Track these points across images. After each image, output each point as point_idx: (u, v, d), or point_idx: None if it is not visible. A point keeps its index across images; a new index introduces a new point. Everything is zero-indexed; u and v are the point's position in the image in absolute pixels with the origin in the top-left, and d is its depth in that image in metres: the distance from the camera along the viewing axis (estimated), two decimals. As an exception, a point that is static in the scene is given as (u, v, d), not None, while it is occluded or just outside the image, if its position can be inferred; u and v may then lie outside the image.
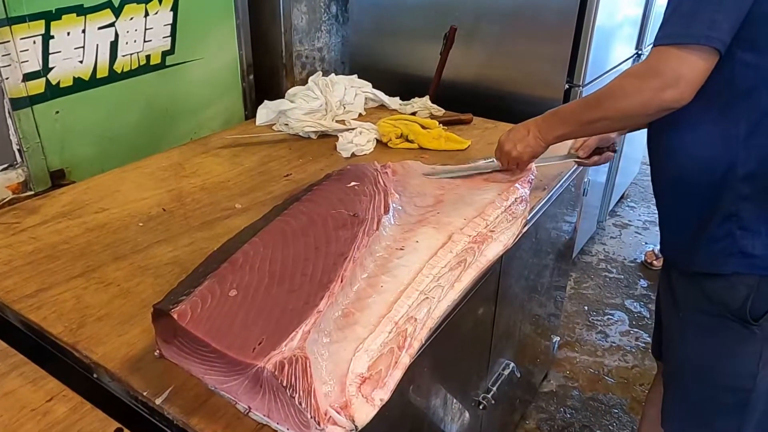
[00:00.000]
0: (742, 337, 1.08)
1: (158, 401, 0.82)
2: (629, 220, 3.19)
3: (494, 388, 1.46)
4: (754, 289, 1.04)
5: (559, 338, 2.11)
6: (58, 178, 1.58)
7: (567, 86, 2.05)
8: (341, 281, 0.89)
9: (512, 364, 1.56)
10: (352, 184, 1.20)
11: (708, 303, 1.09)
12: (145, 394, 0.83)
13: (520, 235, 1.21)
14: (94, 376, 0.91)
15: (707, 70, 0.93)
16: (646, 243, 2.98)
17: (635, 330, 2.39)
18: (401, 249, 1.02)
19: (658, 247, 2.92)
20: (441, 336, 1.04)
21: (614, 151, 1.40)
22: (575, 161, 1.43)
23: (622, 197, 3.36)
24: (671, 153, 1.09)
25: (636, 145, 3.22)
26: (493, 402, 1.44)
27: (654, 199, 1.20)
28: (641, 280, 2.71)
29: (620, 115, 1.04)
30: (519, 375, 1.59)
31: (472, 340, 1.33)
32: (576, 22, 1.96)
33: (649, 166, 1.18)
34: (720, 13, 0.90)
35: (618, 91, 1.03)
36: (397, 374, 0.81)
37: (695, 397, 1.18)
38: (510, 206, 1.20)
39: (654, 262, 2.77)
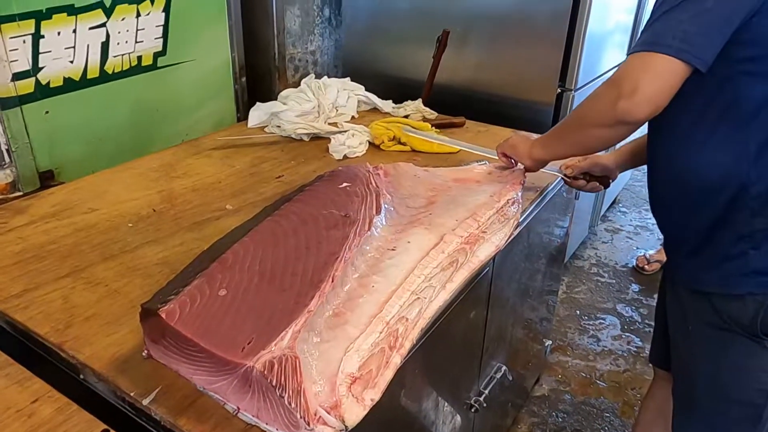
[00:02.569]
0: (752, 352, 1.06)
1: (145, 402, 0.81)
2: (621, 225, 3.20)
3: (486, 391, 1.46)
4: (765, 306, 1.02)
5: (551, 342, 2.11)
6: (47, 179, 1.56)
7: (559, 90, 2.06)
8: (332, 281, 0.88)
9: (504, 368, 1.55)
10: (344, 185, 1.19)
11: (718, 318, 1.07)
12: (132, 394, 0.82)
13: (512, 236, 1.21)
14: (81, 376, 0.89)
15: (672, 86, 0.87)
16: (637, 248, 2.99)
17: (627, 334, 2.39)
18: (393, 249, 1.01)
19: (650, 252, 2.93)
20: (433, 338, 1.03)
21: (606, 186, 1.37)
22: (562, 177, 1.41)
23: (613, 202, 3.37)
24: (680, 174, 1.05)
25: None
26: (485, 405, 1.43)
27: (646, 206, 1.20)
28: (633, 284, 2.71)
29: (584, 124, 1.02)
30: (511, 378, 1.59)
31: (464, 343, 1.33)
32: (568, 27, 1.97)
33: (639, 172, 1.17)
34: (693, 26, 0.85)
35: (586, 100, 1.00)
36: (388, 374, 0.80)
37: (707, 411, 1.16)
38: (502, 207, 1.20)
39: (645, 266, 2.77)
